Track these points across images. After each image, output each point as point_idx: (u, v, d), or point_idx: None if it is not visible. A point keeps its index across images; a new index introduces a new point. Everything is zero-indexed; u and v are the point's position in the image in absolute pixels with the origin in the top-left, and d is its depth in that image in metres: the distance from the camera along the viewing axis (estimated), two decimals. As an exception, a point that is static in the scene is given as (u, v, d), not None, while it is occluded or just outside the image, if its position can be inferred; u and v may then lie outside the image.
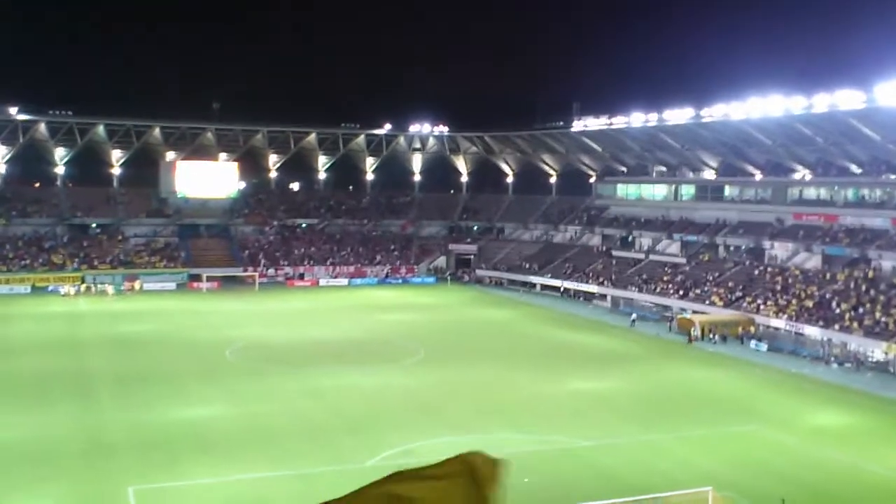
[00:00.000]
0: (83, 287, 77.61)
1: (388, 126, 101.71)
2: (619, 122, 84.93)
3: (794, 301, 60.90)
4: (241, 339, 55.20)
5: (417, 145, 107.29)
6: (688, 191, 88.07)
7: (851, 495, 29.22)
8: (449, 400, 40.81)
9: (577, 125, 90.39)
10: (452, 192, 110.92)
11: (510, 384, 44.34)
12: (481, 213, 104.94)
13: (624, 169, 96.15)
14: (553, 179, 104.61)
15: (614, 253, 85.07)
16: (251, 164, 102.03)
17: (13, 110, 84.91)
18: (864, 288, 58.84)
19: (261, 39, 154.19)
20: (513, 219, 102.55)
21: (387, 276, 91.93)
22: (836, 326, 55.10)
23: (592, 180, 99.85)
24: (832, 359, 52.82)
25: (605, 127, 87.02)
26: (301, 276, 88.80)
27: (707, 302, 66.92)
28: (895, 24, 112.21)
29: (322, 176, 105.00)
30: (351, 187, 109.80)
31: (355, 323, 63.85)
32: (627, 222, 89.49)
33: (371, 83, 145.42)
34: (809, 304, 59.60)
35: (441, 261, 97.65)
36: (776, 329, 59.22)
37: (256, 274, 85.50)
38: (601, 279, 79.87)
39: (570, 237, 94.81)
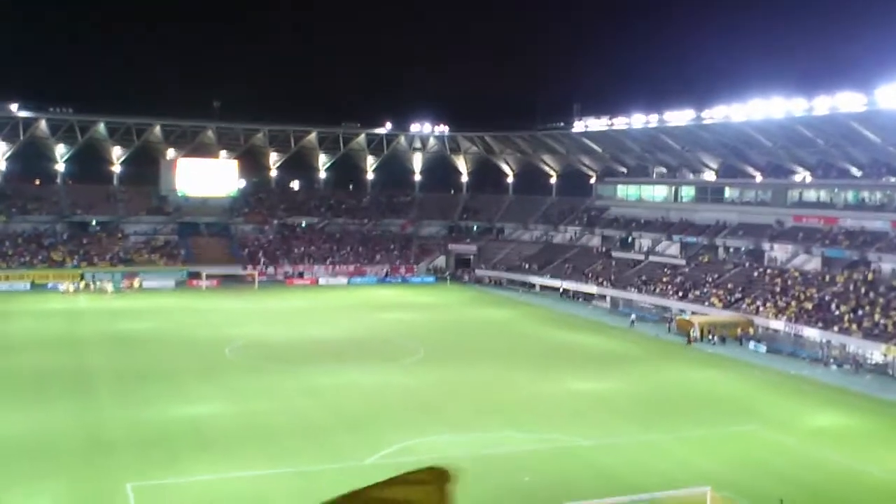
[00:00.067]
0: (82, 284, 77.62)
1: (388, 125, 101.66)
2: (619, 123, 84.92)
3: (793, 303, 60.92)
4: (241, 338, 55.21)
5: (418, 145, 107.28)
6: (688, 192, 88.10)
7: (849, 496, 29.29)
8: (448, 399, 40.84)
9: (578, 126, 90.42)
10: (452, 191, 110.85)
11: (510, 384, 44.37)
12: (481, 213, 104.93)
13: (624, 170, 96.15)
14: (553, 180, 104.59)
15: (614, 254, 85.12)
16: (251, 162, 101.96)
17: (14, 107, 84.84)
18: (863, 290, 58.86)
19: (261, 39, 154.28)
20: (513, 219, 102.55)
21: (386, 275, 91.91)
22: (836, 328, 55.12)
23: (592, 181, 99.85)
24: (831, 360, 52.87)
25: (606, 128, 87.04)
26: (301, 275, 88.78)
27: (706, 303, 66.95)
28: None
29: (322, 175, 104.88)
30: (351, 186, 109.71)
31: (355, 322, 63.85)
32: (627, 223, 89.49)
33: (371, 83, 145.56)
34: (809, 305, 59.64)
35: (441, 260, 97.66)
36: (775, 330, 59.24)
37: (256, 272, 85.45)
38: (601, 280, 79.88)
39: (569, 238, 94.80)
